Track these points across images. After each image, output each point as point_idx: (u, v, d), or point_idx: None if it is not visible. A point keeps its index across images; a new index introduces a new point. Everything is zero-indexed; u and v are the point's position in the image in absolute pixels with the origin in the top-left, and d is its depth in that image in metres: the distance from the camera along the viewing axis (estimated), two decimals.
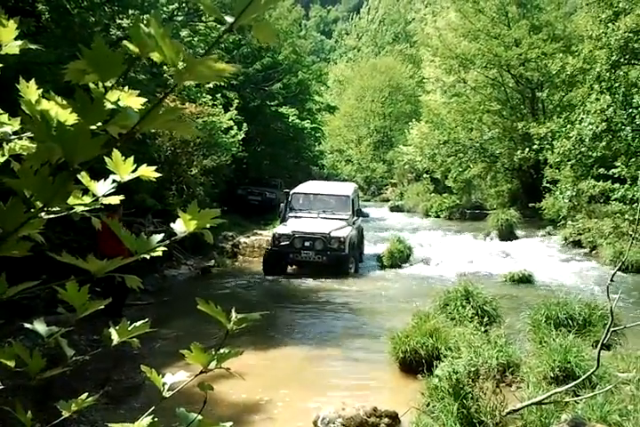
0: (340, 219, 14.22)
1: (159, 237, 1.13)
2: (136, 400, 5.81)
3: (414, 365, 6.64)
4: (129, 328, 1.32)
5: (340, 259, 13.26)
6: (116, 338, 1.31)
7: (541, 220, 21.20)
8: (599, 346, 5.16)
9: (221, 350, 1.28)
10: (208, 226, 1.15)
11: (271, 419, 5.63)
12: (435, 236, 20.58)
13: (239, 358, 1.22)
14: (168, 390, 1.29)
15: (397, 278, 13.80)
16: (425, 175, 32.44)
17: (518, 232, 20.93)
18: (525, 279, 13.25)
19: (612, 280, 4.95)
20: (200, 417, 1.29)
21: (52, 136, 0.95)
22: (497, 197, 27.42)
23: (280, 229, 13.81)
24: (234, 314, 1.30)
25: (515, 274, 13.34)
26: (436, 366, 5.74)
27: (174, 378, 1.33)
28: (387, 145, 46.04)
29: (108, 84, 0.97)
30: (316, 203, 14.84)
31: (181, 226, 1.14)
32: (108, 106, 0.99)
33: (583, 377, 5.27)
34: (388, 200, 36.81)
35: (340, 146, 49.11)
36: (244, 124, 18.66)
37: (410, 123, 32.17)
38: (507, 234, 20.28)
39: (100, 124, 0.96)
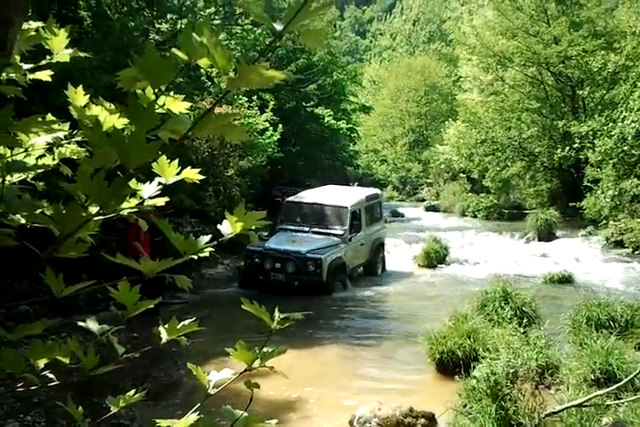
0: (334, 235, 12.29)
1: (207, 238, 1.16)
2: (174, 397, 5.92)
3: (451, 366, 6.61)
4: (177, 326, 1.37)
5: (314, 285, 11.11)
6: (165, 336, 1.36)
7: (582, 220, 20.82)
8: None
9: (265, 349, 1.32)
10: (254, 227, 1.19)
11: (307, 417, 5.67)
12: (472, 236, 20.38)
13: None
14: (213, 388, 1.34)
15: (433, 279, 13.72)
16: (461, 175, 32.15)
17: (558, 232, 20.57)
18: (565, 280, 13.04)
19: None
20: (246, 414, 1.33)
21: (109, 141, 0.99)
22: (536, 197, 26.99)
23: (254, 244, 11.46)
24: (277, 313, 1.33)
25: (554, 275, 13.13)
26: (474, 368, 5.71)
27: (219, 376, 1.37)
28: (422, 145, 45.73)
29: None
30: (309, 214, 12.79)
31: (228, 228, 1.18)
32: (158, 110, 1.03)
33: (625, 380, 5.19)
34: (423, 200, 36.55)
35: (374, 146, 48.93)
36: (280, 126, 18.78)
37: (446, 122, 31.93)
38: (546, 234, 19.96)
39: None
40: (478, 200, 28.74)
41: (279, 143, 19.07)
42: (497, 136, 26.16)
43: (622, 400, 5.19)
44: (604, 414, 5.05)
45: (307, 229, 12.40)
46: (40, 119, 1.19)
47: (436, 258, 15.30)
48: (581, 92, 23.68)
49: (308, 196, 13.68)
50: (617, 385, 5.24)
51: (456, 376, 5.99)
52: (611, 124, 16.97)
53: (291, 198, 13.56)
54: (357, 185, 22.65)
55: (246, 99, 17.04)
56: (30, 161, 1.26)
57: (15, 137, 1.18)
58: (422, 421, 5.31)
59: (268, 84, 0.98)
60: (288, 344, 7.21)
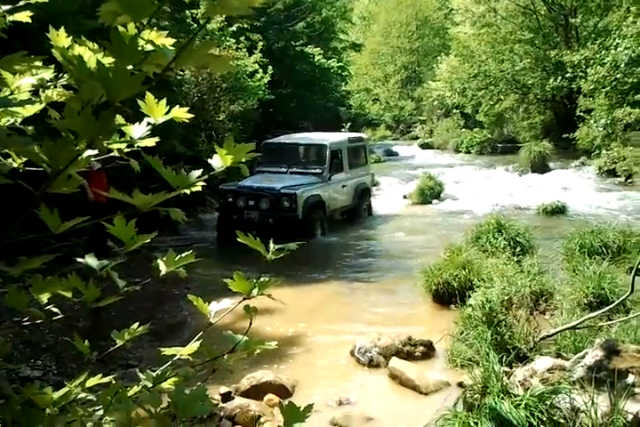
0: (313, 174, 11.88)
1: (198, 172, 1.19)
2: (180, 337, 6.04)
3: (447, 296, 6.76)
4: (175, 259, 1.41)
5: (290, 222, 10.61)
6: (164, 268, 1.41)
7: (575, 151, 20.84)
8: (633, 272, 5.19)
9: (261, 279, 1.38)
10: (244, 160, 1.21)
11: (309, 351, 5.82)
12: (466, 171, 20.44)
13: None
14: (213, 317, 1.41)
15: (428, 215, 13.82)
16: (455, 111, 31.90)
17: (551, 164, 20.64)
18: (559, 210, 13.18)
19: None
20: (246, 338, 1.40)
21: (93, 75, 0.99)
22: (529, 130, 26.90)
23: (228, 184, 11.28)
24: (272, 244, 1.38)
25: (547, 205, 13.26)
26: (469, 297, 5.86)
27: (219, 305, 1.44)
28: (415, 82, 45.03)
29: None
30: (287, 155, 12.34)
31: (218, 161, 1.20)
32: (142, 46, 1.04)
33: (617, 302, 5.34)
34: (417, 138, 36.36)
35: (366, 85, 48.15)
36: (269, 67, 18.45)
37: (438, 57, 31.37)
38: (540, 166, 20.04)
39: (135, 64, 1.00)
40: (472, 135, 28.64)
41: (269, 85, 18.78)
42: (490, 69, 25.81)
43: (614, 321, 5.36)
44: (597, 335, 5.21)
45: (285, 170, 12.04)
46: (23, 57, 1.19)
47: (430, 195, 15.39)
48: (574, 20, 23.17)
49: (287, 138, 13.45)
50: (609, 307, 5.38)
51: (452, 306, 6.16)
52: (604, 52, 16.72)
53: (269, 140, 13.13)
54: (350, 125, 22.41)
55: (234, 40, 16.67)
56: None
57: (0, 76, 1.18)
58: (421, 348, 5.50)
59: (247, 9, 0.98)
60: (282, 281, 7.28)
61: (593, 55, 17.71)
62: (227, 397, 4.54)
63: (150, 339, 5.62)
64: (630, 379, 3.81)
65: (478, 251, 7.74)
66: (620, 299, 5.33)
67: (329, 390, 4.87)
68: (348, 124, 22.47)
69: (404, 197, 15.83)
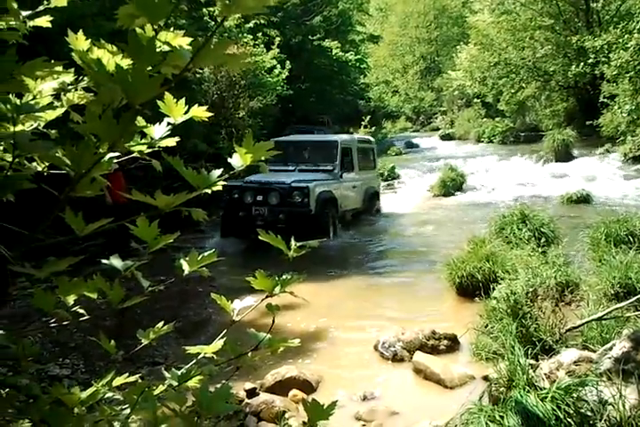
0: (323, 170, 11.42)
1: (218, 171, 1.19)
2: (205, 334, 6.09)
3: (471, 289, 6.67)
4: (198, 258, 1.43)
5: (302, 218, 9.88)
6: (186, 268, 1.42)
7: (599, 138, 20.53)
8: None
9: (284, 276, 1.39)
10: (263, 158, 1.22)
11: (332, 346, 5.81)
12: (489, 161, 20.28)
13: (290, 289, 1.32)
14: (237, 315, 1.42)
15: (450, 207, 13.76)
16: (476, 100, 31.62)
17: (575, 152, 20.38)
18: (583, 199, 13.05)
19: None
20: (269, 336, 1.41)
21: (112, 78, 1.00)
22: (552, 118, 26.53)
23: (233, 180, 10.00)
24: (293, 242, 1.39)
25: (572, 194, 13.14)
26: (494, 289, 5.81)
27: (242, 303, 1.45)
28: (434, 72, 44.81)
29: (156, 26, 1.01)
30: (295, 154, 11.85)
31: (238, 160, 1.21)
32: (160, 47, 1.04)
33: None
34: (438, 129, 36.16)
35: (385, 77, 47.92)
36: (287, 62, 18.45)
37: (458, 47, 31.09)
38: (563, 154, 19.80)
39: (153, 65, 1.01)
40: (494, 125, 28.40)
41: (288, 81, 18.78)
42: (510, 57, 25.51)
43: None
44: (624, 326, 5.14)
45: (293, 168, 11.55)
46: (44, 62, 1.21)
47: (452, 186, 15.33)
48: (595, 4, 22.78)
49: (296, 136, 13.13)
50: (636, 297, 5.29)
51: (476, 299, 6.11)
52: (626, 37, 16.40)
53: (276, 139, 12.37)
54: (370, 118, 22.25)
55: (251, 36, 16.71)
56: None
57: (22, 82, 1.20)
58: (445, 342, 5.47)
59: (262, 8, 0.98)
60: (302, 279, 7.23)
61: (615, 40, 17.38)
62: (252, 393, 4.57)
63: (176, 336, 5.67)
64: None
65: (502, 242, 7.65)
66: None
67: (353, 384, 4.87)
68: (368, 117, 22.32)
69: (426, 189, 15.77)
